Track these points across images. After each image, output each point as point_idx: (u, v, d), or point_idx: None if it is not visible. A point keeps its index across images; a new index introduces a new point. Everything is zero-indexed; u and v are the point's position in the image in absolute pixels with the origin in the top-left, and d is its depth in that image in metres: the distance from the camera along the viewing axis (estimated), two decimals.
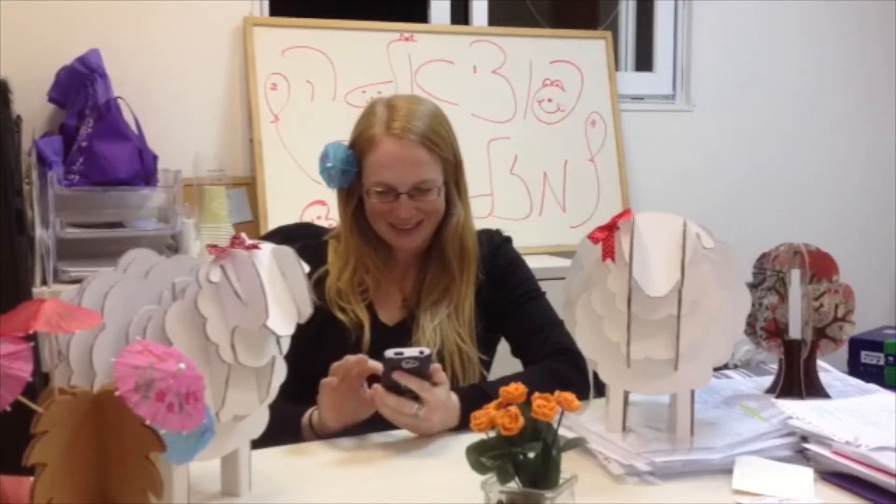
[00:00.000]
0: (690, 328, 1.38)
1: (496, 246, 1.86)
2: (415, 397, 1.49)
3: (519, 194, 3.32)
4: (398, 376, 1.47)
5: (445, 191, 1.75)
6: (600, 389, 1.52)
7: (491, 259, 1.83)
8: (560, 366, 1.71)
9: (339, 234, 1.81)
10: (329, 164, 1.73)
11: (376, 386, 1.49)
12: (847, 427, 1.39)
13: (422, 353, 1.47)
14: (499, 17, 3.52)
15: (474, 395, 1.54)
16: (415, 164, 1.69)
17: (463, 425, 1.51)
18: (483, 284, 1.81)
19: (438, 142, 1.72)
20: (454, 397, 1.56)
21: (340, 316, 1.71)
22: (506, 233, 1.92)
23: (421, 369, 1.48)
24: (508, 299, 1.82)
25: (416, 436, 1.54)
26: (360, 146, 1.74)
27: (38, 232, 2.54)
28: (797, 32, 3.84)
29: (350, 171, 1.73)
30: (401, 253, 1.81)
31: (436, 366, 1.52)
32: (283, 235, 1.78)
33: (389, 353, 1.46)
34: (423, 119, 1.73)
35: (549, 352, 1.75)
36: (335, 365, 1.52)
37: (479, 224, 1.89)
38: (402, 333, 1.73)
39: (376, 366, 1.50)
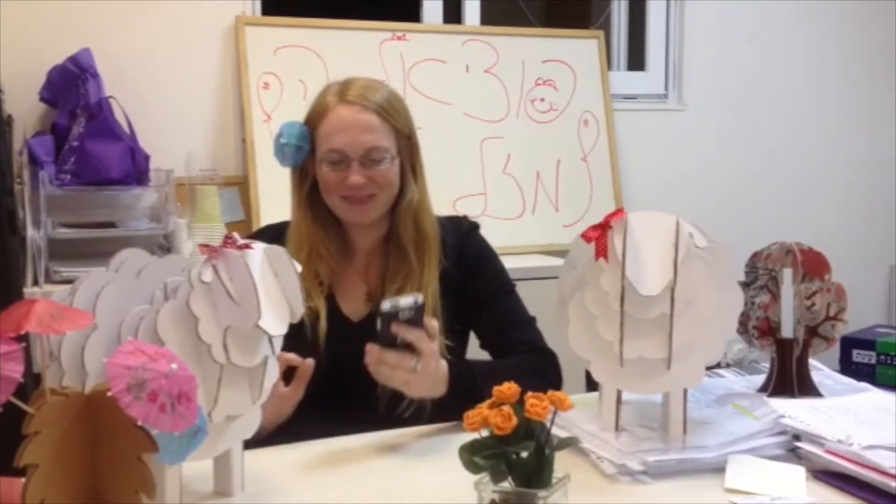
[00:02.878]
0: (683, 327, 1.38)
1: (464, 234, 1.82)
2: (409, 351, 1.44)
3: (512, 193, 3.32)
4: (397, 328, 1.42)
5: (400, 170, 1.72)
6: (593, 387, 1.52)
7: (458, 247, 1.78)
8: (540, 362, 1.70)
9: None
10: (283, 141, 1.70)
11: (371, 345, 1.44)
12: (839, 426, 1.39)
13: (416, 301, 1.43)
14: (491, 16, 3.53)
15: (460, 367, 1.53)
16: (366, 129, 1.67)
17: (448, 395, 1.51)
18: (449, 273, 1.75)
19: (392, 113, 1.70)
20: (443, 363, 1.54)
21: None
22: (473, 219, 1.87)
23: (416, 319, 1.44)
24: (480, 293, 1.77)
25: (408, 436, 1.54)
26: (313, 119, 1.71)
27: (30, 232, 2.53)
28: (790, 31, 3.84)
29: (304, 146, 1.70)
30: (357, 238, 1.76)
31: (429, 318, 1.48)
32: (272, 234, 1.77)
33: (385, 305, 1.41)
34: (379, 92, 1.72)
35: (523, 351, 1.72)
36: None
37: None
38: (368, 329, 1.64)
39: (299, 361, 1.47)
